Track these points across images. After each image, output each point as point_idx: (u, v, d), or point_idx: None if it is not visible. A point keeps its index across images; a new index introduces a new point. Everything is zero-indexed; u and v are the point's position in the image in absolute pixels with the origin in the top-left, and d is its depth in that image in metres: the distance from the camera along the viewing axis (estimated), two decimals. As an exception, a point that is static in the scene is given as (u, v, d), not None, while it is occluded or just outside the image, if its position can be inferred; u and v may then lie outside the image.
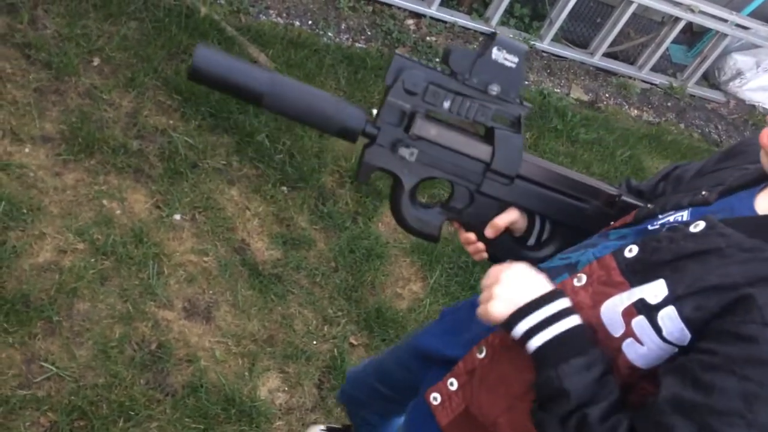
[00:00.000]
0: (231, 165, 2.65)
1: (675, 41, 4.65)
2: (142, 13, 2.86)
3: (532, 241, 1.19)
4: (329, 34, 3.54)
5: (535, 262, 1.09)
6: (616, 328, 0.86)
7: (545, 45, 4.28)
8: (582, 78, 4.35)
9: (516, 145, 1.10)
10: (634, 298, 0.85)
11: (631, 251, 0.88)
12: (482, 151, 1.10)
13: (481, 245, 1.17)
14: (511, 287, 0.92)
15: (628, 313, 0.85)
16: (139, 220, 2.32)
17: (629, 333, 0.85)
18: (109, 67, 2.66)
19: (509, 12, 4.23)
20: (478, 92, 1.05)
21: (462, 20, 4.07)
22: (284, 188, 2.70)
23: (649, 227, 0.94)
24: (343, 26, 3.66)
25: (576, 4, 4.15)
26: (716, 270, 0.80)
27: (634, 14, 4.27)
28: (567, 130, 3.76)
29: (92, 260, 2.14)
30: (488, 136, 1.11)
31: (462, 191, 1.13)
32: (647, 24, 4.71)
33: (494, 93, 1.05)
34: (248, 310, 2.28)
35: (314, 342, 2.32)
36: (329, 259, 2.58)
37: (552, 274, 0.97)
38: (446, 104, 1.05)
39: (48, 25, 2.63)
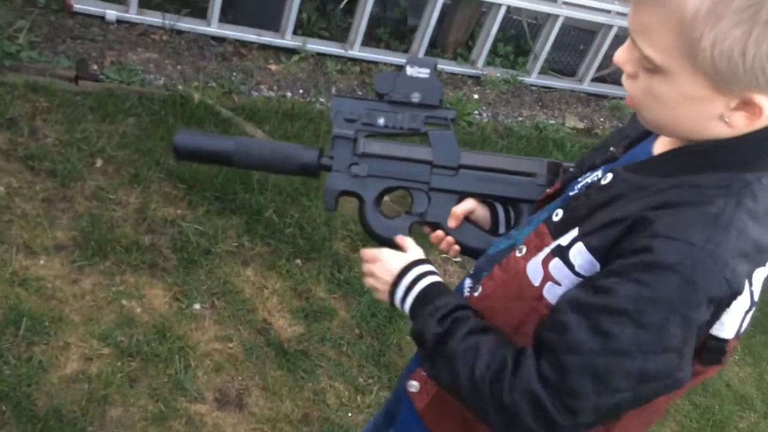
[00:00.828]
0: (243, 246, 2.66)
1: (660, 56, 4.69)
2: (138, 109, 2.91)
3: (502, 229, 1.28)
4: (321, 99, 3.59)
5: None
6: (537, 277, 0.96)
7: (533, 79, 4.33)
8: (574, 106, 4.39)
9: (450, 138, 1.24)
10: (552, 246, 0.95)
11: (557, 215, 0.98)
12: (423, 152, 1.25)
13: (450, 238, 1.26)
14: (382, 267, 1.12)
15: (546, 260, 0.95)
16: (160, 315, 2.32)
17: (547, 277, 0.95)
18: (113, 166, 2.69)
19: (493, 52, 4.29)
20: (404, 104, 1.22)
21: (448, 66, 4.13)
22: (298, 261, 2.71)
23: (570, 193, 1.04)
24: (333, 90, 3.71)
25: (558, 35, 4.21)
26: (619, 209, 0.89)
27: (616, 36, 4.33)
28: (568, 160, 3.76)
29: (119, 364, 2.14)
30: (425, 140, 1.25)
31: (419, 195, 1.26)
32: (630, 44, 4.76)
33: (417, 100, 1.22)
34: (279, 391, 2.27)
35: (349, 414, 2.30)
36: (352, 326, 2.57)
37: (500, 256, 1.07)
38: (381, 120, 1.23)
39: (48, 134, 2.67)
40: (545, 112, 4.22)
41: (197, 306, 2.40)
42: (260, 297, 2.53)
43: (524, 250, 1.01)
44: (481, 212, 1.27)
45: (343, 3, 4.08)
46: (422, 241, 1.25)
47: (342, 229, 2.88)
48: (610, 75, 4.65)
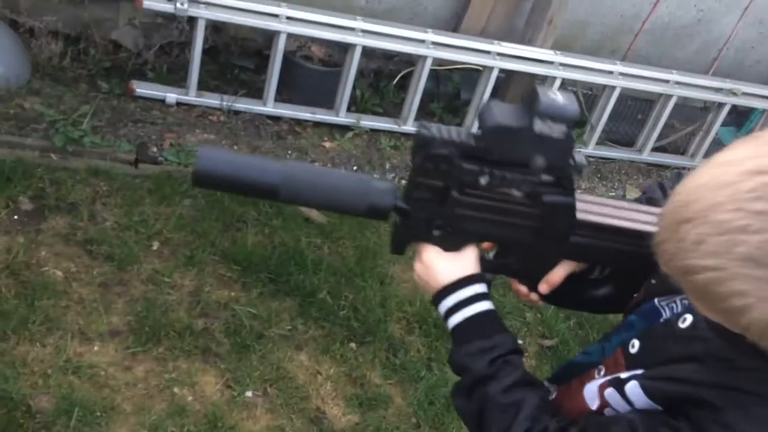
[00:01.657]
0: (296, 329, 2.61)
1: (723, 123, 4.56)
2: (194, 190, 2.94)
3: (596, 273, 1.11)
4: (375, 175, 3.58)
5: (594, 303, 1.09)
6: (593, 401, 0.95)
7: (590, 150, 4.24)
8: (635, 177, 4.27)
9: (568, 210, 0.97)
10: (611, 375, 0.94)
11: (634, 347, 0.95)
12: (530, 217, 0.98)
13: (534, 296, 1.11)
14: (442, 264, 1.02)
15: (602, 386, 0.94)
16: (212, 403, 2.26)
17: (605, 404, 0.93)
18: (168, 248, 2.70)
19: (549, 124, 4.23)
20: (519, 167, 0.92)
21: (503, 139, 4.08)
22: (353, 344, 2.63)
23: (651, 322, 0.97)
24: (387, 166, 3.70)
25: (615, 105, 4.13)
26: (691, 373, 0.85)
27: (675, 105, 4.23)
28: (631, 234, 3.63)
29: (169, 457, 2.08)
30: (534, 198, 0.98)
31: (510, 250, 1.05)
32: (690, 112, 4.65)
33: (539, 166, 0.92)
34: (333, 487, 2.16)
35: None
36: (409, 414, 2.46)
37: (578, 371, 1.04)
38: (483, 180, 0.94)
39: (107, 218, 2.71)
40: (604, 184, 4.10)
41: (249, 393, 2.34)
42: (314, 383, 2.45)
43: (603, 371, 0.97)
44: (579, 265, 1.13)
45: (397, 79, 4.11)
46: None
47: (397, 311, 2.80)
48: (671, 144, 4.53)
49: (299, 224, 2.96)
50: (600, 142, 4.28)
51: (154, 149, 3.15)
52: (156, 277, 2.57)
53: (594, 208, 1.03)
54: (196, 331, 2.45)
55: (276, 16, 3.43)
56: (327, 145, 3.66)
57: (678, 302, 0.96)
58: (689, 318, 0.91)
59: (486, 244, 1.10)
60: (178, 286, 2.58)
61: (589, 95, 4.35)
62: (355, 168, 3.59)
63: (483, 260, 1.08)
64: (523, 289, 1.10)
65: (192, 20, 3.36)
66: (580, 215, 0.99)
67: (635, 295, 1.06)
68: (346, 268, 2.86)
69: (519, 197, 0.97)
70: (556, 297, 1.10)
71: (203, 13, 3.30)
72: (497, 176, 0.93)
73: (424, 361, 2.66)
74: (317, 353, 2.56)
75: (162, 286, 2.55)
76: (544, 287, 1.08)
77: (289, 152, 3.49)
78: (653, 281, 1.02)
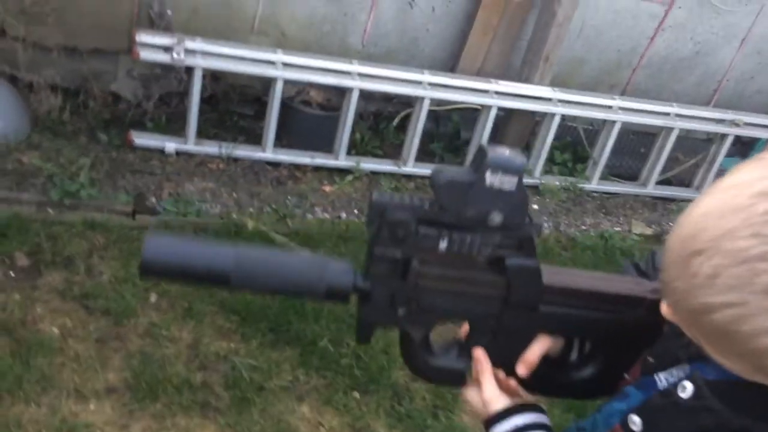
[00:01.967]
0: (298, 380, 2.55)
1: (727, 154, 4.52)
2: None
3: (574, 355, 1.05)
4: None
5: (579, 388, 1.04)
6: None
7: (594, 185, 4.21)
8: (640, 211, 4.22)
9: (533, 273, 0.94)
10: None
11: (636, 424, 0.86)
12: (495, 285, 0.95)
13: (513, 382, 1.02)
14: (493, 389, 0.97)
15: None
16: (211, 461, 2.20)
17: None
18: (166, 300, 2.66)
19: (550, 160, 4.21)
20: (477, 225, 0.90)
21: (505, 178, 4.05)
22: (356, 394, 2.57)
23: (652, 392, 0.89)
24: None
25: (616, 139, 4.11)
26: None
27: (678, 137, 4.20)
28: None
29: None
30: (497, 264, 0.95)
31: (480, 328, 1.00)
32: (694, 144, 4.62)
33: (496, 223, 0.90)
34: None
35: None
36: (415, 466, 2.38)
37: None
38: (442, 245, 0.91)
39: (104, 271, 2.68)
40: (610, 220, 4.06)
41: (250, 449, 2.27)
42: (316, 436, 2.38)
43: None
44: (556, 343, 1.06)
45: (396, 121, 4.11)
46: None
47: (401, 358, 2.73)
48: (676, 176, 4.49)
49: (299, 271, 2.92)
50: (603, 177, 4.25)
51: (153, 199, 3.14)
52: (153, 330, 2.53)
53: (563, 273, 1.01)
54: (195, 385, 2.40)
55: (272, 62, 3.45)
56: (327, 189, 3.65)
57: (674, 372, 0.88)
58: (689, 386, 0.83)
59: (461, 331, 1.04)
60: (176, 339, 2.54)
61: (590, 130, 4.34)
62: (356, 211, 3.57)
63: (458, 346, 1.02)
64: (501, 374, 1.03)
65: (189, 70, 3.38)
66: (548, 279, 0.96)
67: (626, 376, 0.98)
68: (347, 315, 2.81)
69: (481, 263, 0.95)
70: (536, 383, 1.04)
71: (200, 62, 3.32)
72: (456, 239, 0.91)
73: (429, 409, 2.59)
74: (319, 404, 2.49)
75: (160, 340, 2.51)
76: (521, 368, 1.01)
77: (289, 197, 3.47)
78: (650, 358, 0.94)
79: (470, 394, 1.01)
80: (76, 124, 3.46)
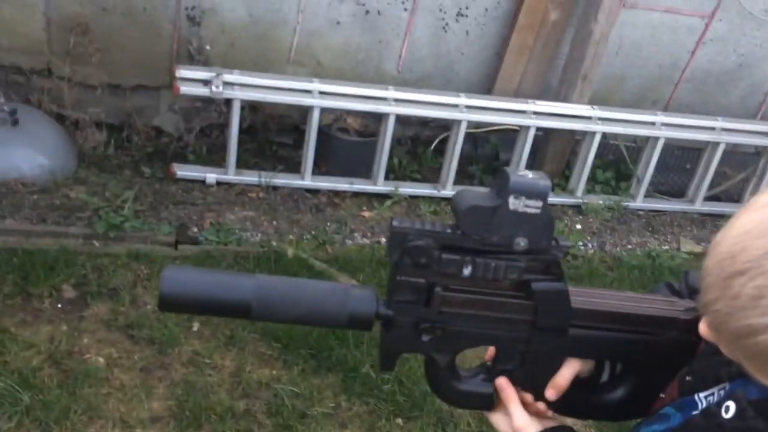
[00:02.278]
0: (340, 406, 2.53)
1: (777, 167, 4.38)
2: (234, 268, 2.94)
3: (605, 377, 1.02)
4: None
5: (611, 409, 0.99)
6: None
7: (639, 203, 4.12)
8: (689, 229, 4.11)
9: (561, 297, 0.92)
10: None
11: None
12: (522, 309, 0.93)
13: (542, 405, 0.99)
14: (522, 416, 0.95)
15: None
16: (255, 490, 2.19)
17: None
18: (209, 329, 2.68)
19: (592, 179, 4.14)
20: (501, 250, 0.88)
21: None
22: (399, 420, 2.53)
23: (693, 412, 0.85)
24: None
25: (660, 156, 4.03)
26: None
27: (724, 152, 4.09)
28: (688, 289, 3.46)
29: None
30: (523, 288, 0.93)
31: (508, 352, 0.97)
32: (742, 158, 4.49)
33: (522, 248, 0.88)
34: None
35: None
36: (461, 494, 2.33)
37: None
38: (466, 271, 0.89)
39: (148, 301, 2.72)
40: (657, 238, 3.96)
41: (293, 478, 2.25)
42: (360, 464, 2.35)
43: None
44: (586, 366, 1.03)
45: (434, 145, 4.10)
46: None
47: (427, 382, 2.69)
48: (724, 192, 4.37)
49: (340, 297, 2.91)
50: (648, 195, 4.16)
51: (195, 229, 3.18)
52: (196, 359, 2.55)
53: (592, 296, 0.98)
54: (238, 414, 2.40)
55: (309, 91, 3.49)
56: (366, 214, 3.65)
57: (716, 392, 0.85)
58: (732, 406, 0.79)
59: (486, 355, 1.02)
60: (219, 367, 2.55)
61: (633, 147, 4.26)
62: (395, 236, 3.55)
63: (485, 369, 1.00)
64: (528, 397, 1.00)
65: (228, 102, 3.45)
66: (576, 303, 0.94)
67: (661, 395, 0.95)
68: (389, 340, 2.79)
69: (507, 287, 0.93)
70: (566, 405, 1.01)
71: (238, 94, 3.38)
72: (480, 265, 0.89)
73: (475, 435, 2.54)
74: (363, 431, 2.46)
75: (203, 368, 2.52)
76: (551, 393, 0.98)
77: (329, 224, 3.48)
78: (688, 377, 0.91)
79: (498, 420, 0.98)
80: (121, 159, 3.55)
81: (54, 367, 2.38)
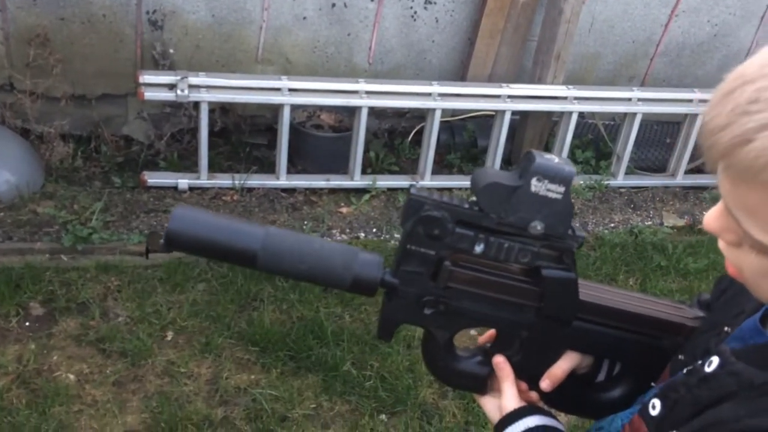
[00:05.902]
0: (321, 407, 2.47)
1: (759, 136, 4.33)
2: (207, 274, 2.88)
3: (601, 376, 1.01)
4: (396, 236, 3.47)
5: (603, 408, 0.97)
6: None
7: (620, 180, 4.07)
8: (671, 203, 4.05)
9: (570, 287, 0.91)
10: None
11: (654, 407, 0.82)
12: (529, 295, 0.92)
13: (534, 395, 0.98)
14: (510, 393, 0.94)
15: None
16: (235, 498, 2.13)
17: None
18: (183, 337, 2.62)
19: (572, 159, 4.08)
20: (516, 232, 0.87)
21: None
22: (383, 416, 2.48)
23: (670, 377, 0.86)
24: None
25: (639, 132, 3.97)
26: (726, 409, 0.74)
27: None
28: (673, 264, 3.41)
29: None
30: (533, 274, 0.92)
31: (508, 337, 0.96)
32: (722, 128, 4.43)
33: (538, 232, 0.86)
34: None
35: None
36: (449, 488, 2.28)
37: None
38: (478, 248, 0.88)
39: (119, 313, 2.66)
40: (639, 214, 3.90)
41: (274, 483, 2.20)
42: (343, 465, 2.30)
43: None
44: (585, 360, 1.02)
45: (411, 136, 4.05)
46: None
47: (427, 375, 2.64)
48: (705, 164, 4.31)
49: (317, 295, 2.86)
50: (629, 172, 4.10)
51: (167, 237, 3.11)
52: (171, 368, 2.49)
53: (601, 291, 0.98)
54: (216, 422, 2.34)
55: (278, 89, 3.42)
56: (344, 210, 3.59)
57: (701, 360, 0.83)
58: (715, 360, 0.78)
59: (483, 338, 1.02)
60: (195, 376, 2.49)
61: (611, 125, 4.20)
62: (374, 230, 3.50)
63: (482, 352, 1.00)
64: (522, 385, 0.98)
65: (197, 105, 3.38)
66: (585, 295, 0.93)
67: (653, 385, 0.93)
68: (369, 336, 2.73)
69: (517, 271, 0.92)
70: (559, 399, 1.00)
71: (204, 96, 3.32)
72: (493, 244, 0.88)
73: (461, 426, 2.49)
74: (345, 430, 2.41)
75: (178, 378, 2.46)
76: (546, 383, 0.96)
77: (306, 222, 3.43)
78: (680, 356, 0.89)
79: (488, 402, 0.99)
80: (90, 170, 3.48)
81: (22, 387, 2.32)
